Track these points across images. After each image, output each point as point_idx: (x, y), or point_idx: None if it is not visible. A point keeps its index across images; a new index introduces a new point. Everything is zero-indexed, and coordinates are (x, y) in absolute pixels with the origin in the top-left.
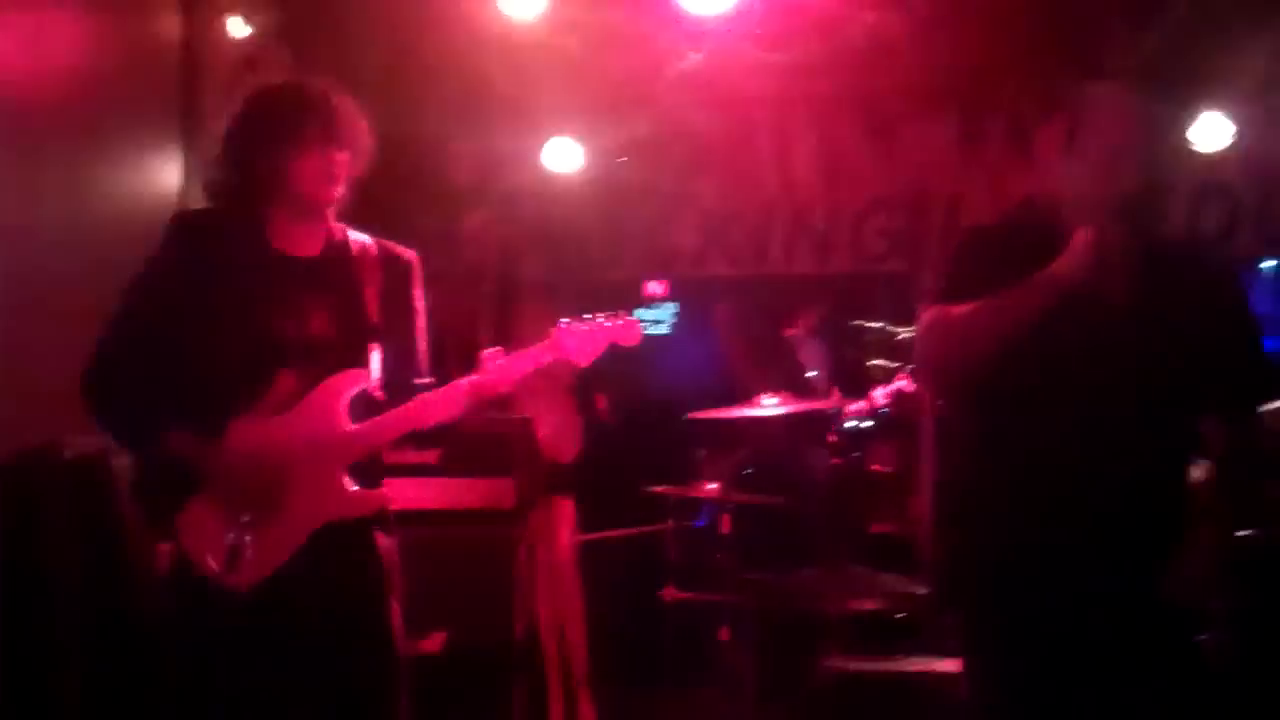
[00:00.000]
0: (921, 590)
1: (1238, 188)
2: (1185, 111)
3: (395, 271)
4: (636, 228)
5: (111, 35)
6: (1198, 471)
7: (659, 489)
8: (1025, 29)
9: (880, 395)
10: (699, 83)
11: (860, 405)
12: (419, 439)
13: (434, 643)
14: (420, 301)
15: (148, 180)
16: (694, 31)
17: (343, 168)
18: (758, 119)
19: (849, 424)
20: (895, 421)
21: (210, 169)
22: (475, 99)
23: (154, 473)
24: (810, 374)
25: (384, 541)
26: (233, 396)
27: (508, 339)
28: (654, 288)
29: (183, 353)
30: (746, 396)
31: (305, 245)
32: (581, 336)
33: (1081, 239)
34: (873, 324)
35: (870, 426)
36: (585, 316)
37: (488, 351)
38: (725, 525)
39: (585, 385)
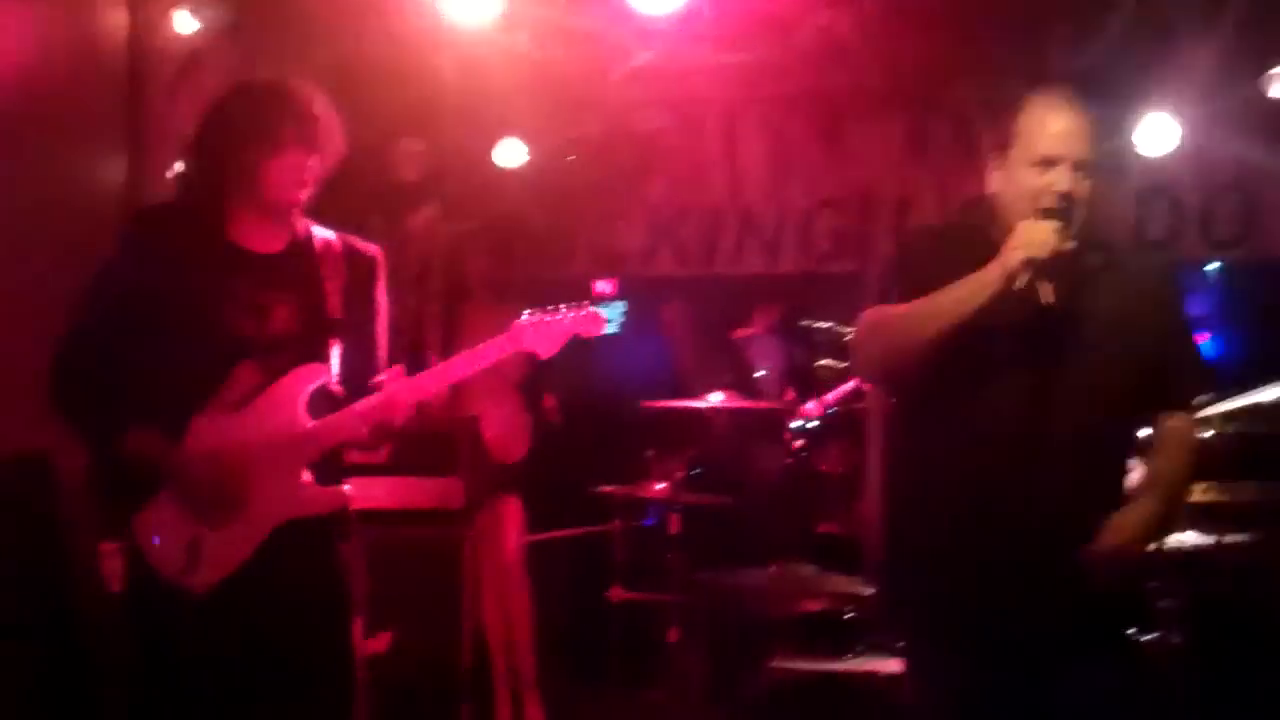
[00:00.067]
0: (868, 591)
1: (1183, 190)
2: (1129, 115)
3: (358, 267)
4: (585, 226)
5: (57, 30)
6: (1135, 474)
7: (607, 489)
8: (972, 32)
9: (831, 397)
10: (648, 82)
11: (811, 407)
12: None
13: (380, 642)
14: (383, 298)
15: (93, 176)
16: (644, 31)
17: (314, 172)
18: (707, 119)
19: (796, 424)
20: (844, 422)
21: (181, 160)
22: (423, 97)
23: (113, 471)
24: (759, 373)
25: (342, 539)
26: (192, 393)
27: (455, 337)
28: (602, 286)
29: (143, 349)
30: (694, 395)
31: (268, 242)
32: (543, 328)
33: (1015, 240)
34: (821, 324)
35: (819, 427)
36: (547, 307)
37: (391, 369)
38: (674, 525)
39: (533, 384)
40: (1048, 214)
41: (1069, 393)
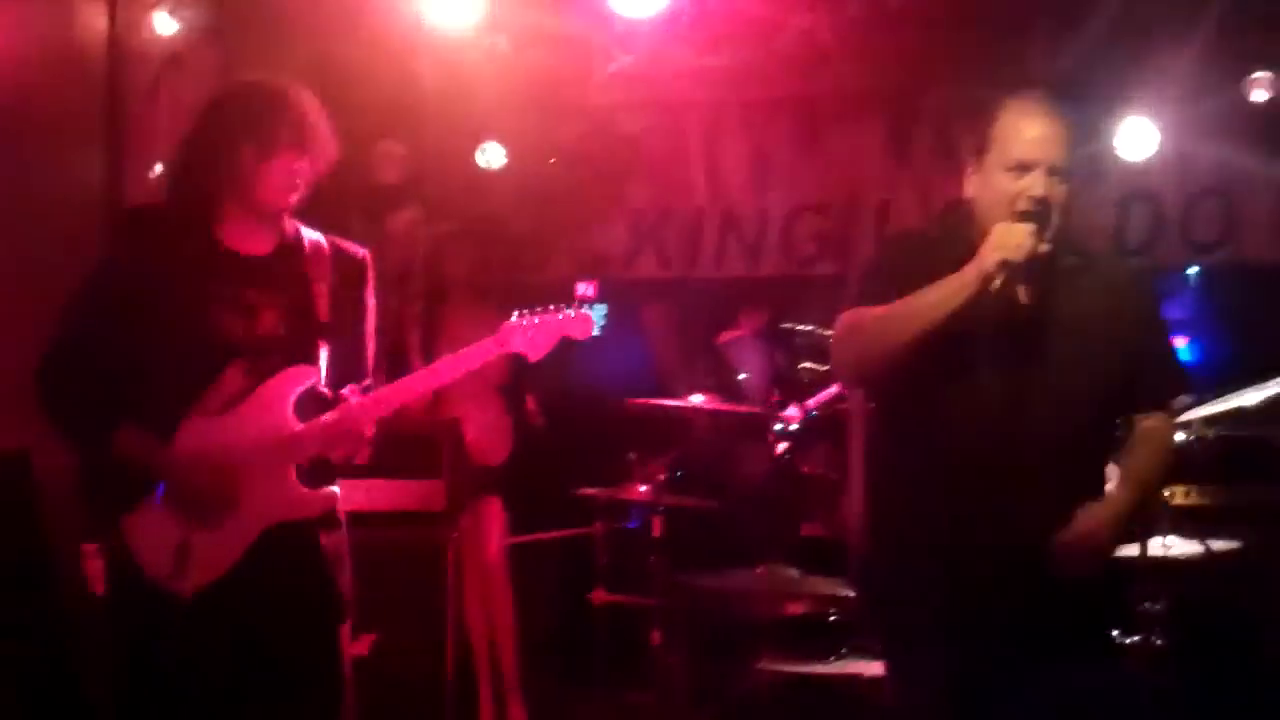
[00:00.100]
0: (852, 593)
1: (1163, 195)
2: (1108, 119)
3: (347, 270)
4: (566, 229)
5: (36, 31)
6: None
7: (589, 491)
8: (953, 36)
9: (813, 401)
10: (630, 85)
11: (793, 412)
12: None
13: (362, 645)
14: (372, 301)
15: (72, 177)
16: (625, 34)
17: (305, 175)
18: (688, 122)
19: (778, 427)
20: (827, 424)
21: (166, 159)
22: (404, 99)
23: (101, 473)
24: (741, 376)
25: (331, 541)
26: (180, 394)
27: (435, 339)
28: (583, 289)
29: (131, 350)
30: (675, 397)
31: (257, 244)
32: (532, 330)
33: (991, 242)
34: (803, 327)
35: (802, 429)
36: (537, 309)
37: (353, 386)
38: (656, 528)
39: (515, 386)
40: (1023, 217)
41: (1044, 392)
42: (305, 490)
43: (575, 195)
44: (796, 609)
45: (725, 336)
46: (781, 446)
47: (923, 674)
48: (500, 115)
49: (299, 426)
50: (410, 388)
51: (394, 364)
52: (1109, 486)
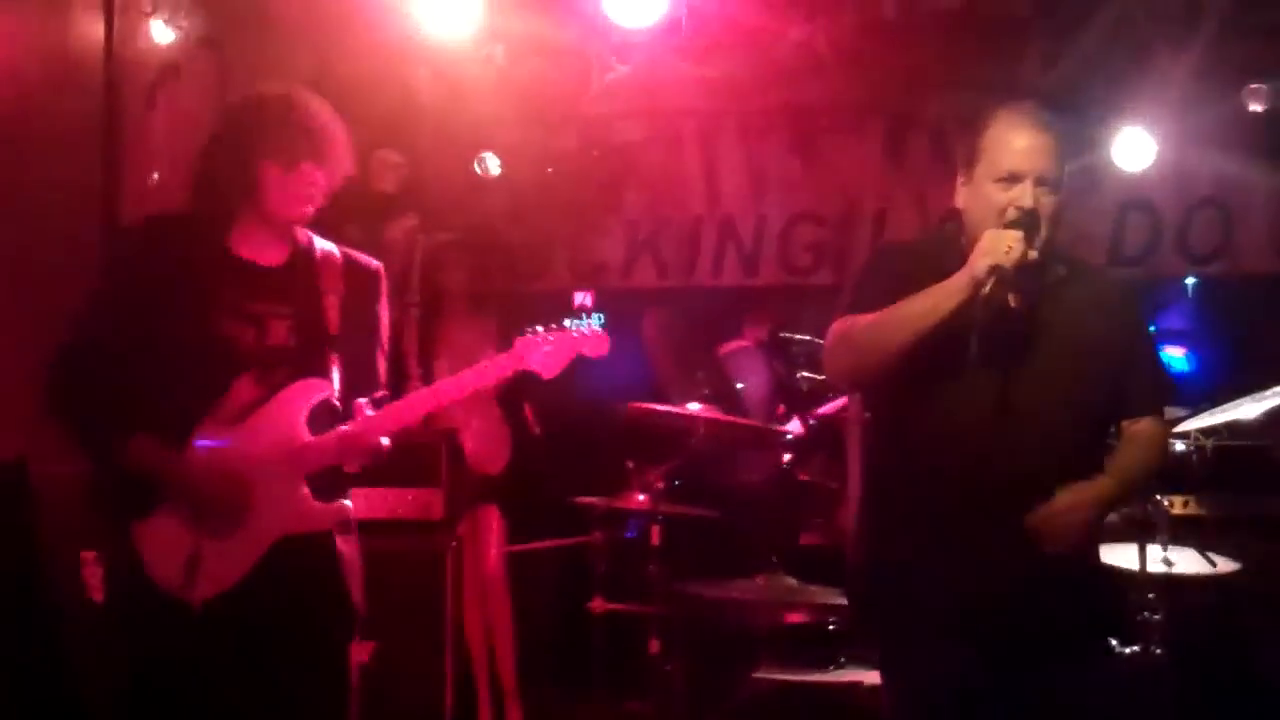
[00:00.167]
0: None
1: (1160, 205)
2: (1103, 129)
3: (359, 282)
4: (563, 238)
5: (32, 40)
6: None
7: (587, 500)
8: (949, 46)
9: (821, 411)
10: (626, 95)
11: (795, 425)
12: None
13: (363, 653)
14: (384, 313)
15: (69, 185)
16: (622, 44)
17: (321, 187)
18: (685, 131)
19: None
20: (827, 433)
21: (193, 166)
22: (402, 109)
23: (114, 482)
24: (739, 386)
25: (344, 555)
26: (192, 404)
27: (432, 348)
28: (581, 299)
29: (143, 359)
30: (673, 406)
31: (270, 254)
32: (548, 347)
33: (981, 248)
34: (800, 336)
35: (800, 438)
36: (552, 326)
37: (359, 401)
38: (655, 536)
39: (513, 395)
40: (1011, 227)
41: (1033, 399)
42: (317, 503)
43: (572, 205)
44: (795, 618)
45: (727, 348)
46: (784, 456)
47: (916, 681)
48: (497, 125)
49: (311, 438)
50: (426, 401)
51: (393, 373)
52: None
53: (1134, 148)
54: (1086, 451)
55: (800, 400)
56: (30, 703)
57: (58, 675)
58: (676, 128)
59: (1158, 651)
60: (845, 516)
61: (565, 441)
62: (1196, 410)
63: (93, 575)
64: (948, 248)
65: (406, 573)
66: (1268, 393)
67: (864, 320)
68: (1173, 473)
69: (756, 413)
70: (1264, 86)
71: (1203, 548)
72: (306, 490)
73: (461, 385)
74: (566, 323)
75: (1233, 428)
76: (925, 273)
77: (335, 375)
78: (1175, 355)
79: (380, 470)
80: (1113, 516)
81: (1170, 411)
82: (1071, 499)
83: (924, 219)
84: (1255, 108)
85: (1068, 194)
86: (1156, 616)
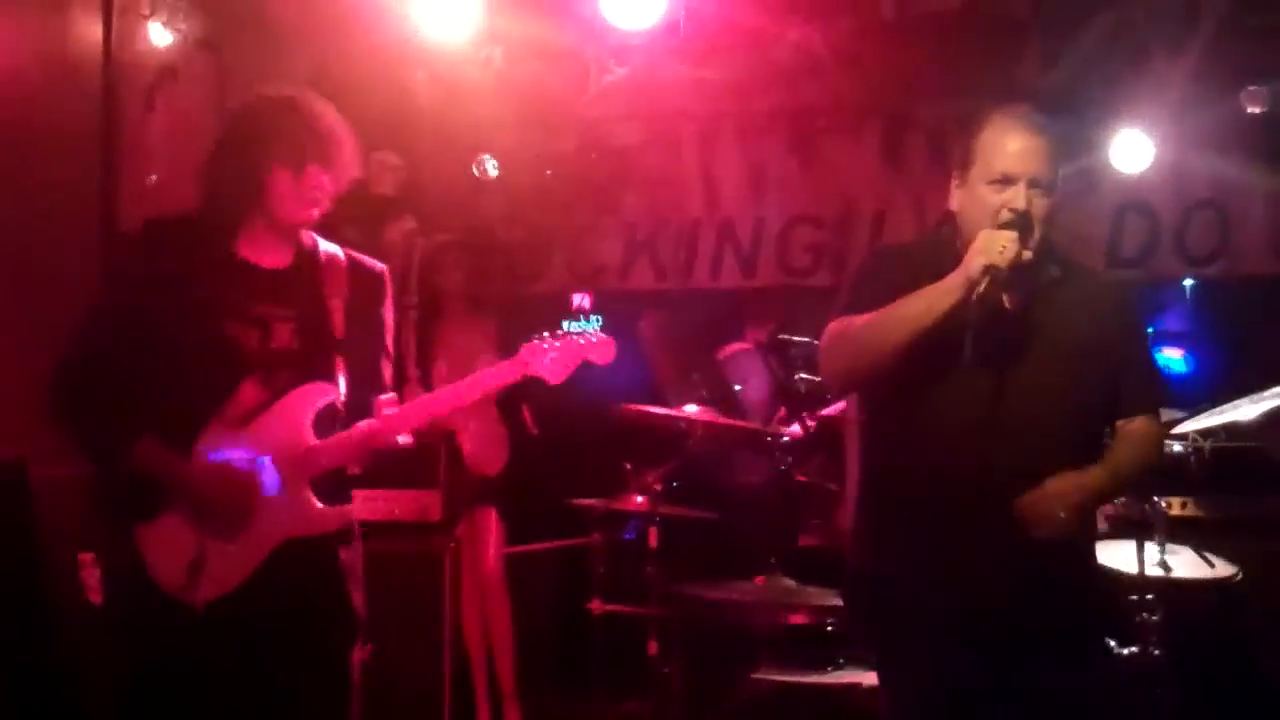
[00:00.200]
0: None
1: (1158, 207)
2: (1100, 131)
3: (364, 284)
4: (561, 240)
5: (30, 42)
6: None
7: (585, 501)
8: (946, 48)
9: (824, 413)
10: (624, 97)
11: (793, 427)
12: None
13: (362, 654)
14: (389, 316)
15: (67, 186)
16: (620, 46)
17: (328, 191)
18: (683, 133)
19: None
20: (824, 435)
21: (200, 169)
22: (400, 111)
23: (118, 485)
24: (737, 388)
25: (346, 559)
26: (196, 407)
27: (431, 350)
28: (579, 300)
29: (148, 362)
30: (671, 408)
31: (274, 257)
32: (554, 353)
33: (976, 248)
34: (799, 338)
35: (799, 440)
36: (559, 332)
37: (384, 398)
38: (653, 538)
39: (510, 397)
40: (1005, 227)
41: (1027, 399)
42: (321, 506)
43: (570, 207)
44: (793, 619)
45: (726, 351)
46: (782, 458)
47: (913, 683)
48: (495, 127)
49: (316, 441)
50: (442, 402)
51: (392, 375)
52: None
53: (1132, 150)
54: (1081, 451)
55: (799, 402)
56: (29, 704)
57: (56, 676)
58: (675, 130)
59: (1156, 652)
60: (844, 518)
61: (563, 443)
62: (1194, 412)
63: (91, 577)
64: (943, 250)
65: (405, 574)
66: (1266, 394)
67: (859, 321)
68: (1171, 474)
69: (756, 415)
70: (1262, 88)
71: (1201, 549)
72: (310, 494)
73: (474, 388)
74: (570, 327)
75: (1231, 429)
76: (920, 275)
77: (340, 378)
78: (1173, 357)
79: (378, 472)
80: (1110, 510)
81: (1168, 413)
82: (1060, 484)
83: (922, 220)
84: (1253, 110)
85: (1062, 196)
86: (1154, 618)
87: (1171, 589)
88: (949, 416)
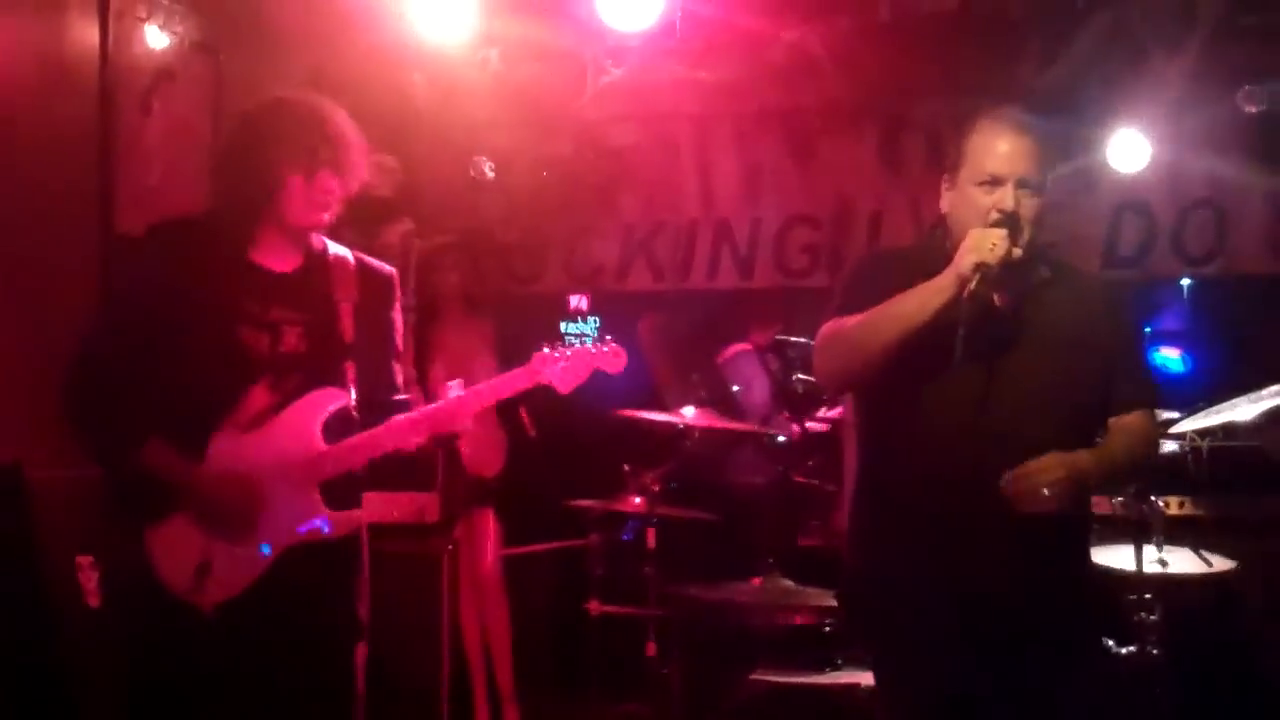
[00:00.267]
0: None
1: (1155, 207)
2: (1097, 131)
3: (373, 288)
4: (558, 241)
5: (27, 45)
6: None
7: (583, 503)
8: (943, 48)
9: (824, 414)
10: (621, 98)
11: (790, 428)
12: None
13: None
14: (399, 319)
15: (64, 189)
16: (617, 47)
17: (337, 197)
18: (680, 134)
19: (780, 439)
20: (822, 436)
21: (213, 173)
22: (397, 112)
23: (127, 488)
24: (735, 389)
25: (351, 563)
26: (205, 410)
27: (428, 352)
28: (576, 302)
29: (158, 364)
30: (670, 409)
31: (284, 260)
32: (564, 362)
33: (966, 245)
34: (798, 339)
35: (797, 441)
36: (569, 341)
37: (451, 384)
38: (651, 539)
39: (508, 399)
40: (995, 227)
41: (1018, 398)
42: (329, 511)
43: (567, 208)
44: (792, 620)
45: (726, 354)
46: (780, 459)
47: (910, 683)
48: (492, 129)
49: (324, 447)
50: (448, 411)
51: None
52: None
53: (1129, 149)
54: (1072, 450)
55: (797, 403)
56: (28, 706)
57: (54, 679)
58: (671, 131)
59: (1154, 652)
60: (842, 518)
61: (561, 444)
62: (1192, 411)
63: (89, 579)
64: (934, 252)
65: (403, 575)
66: (1263, 393)
67: (852, 321)
68: (1169, 473)
69: (755, 416)
70: (1259, 88)
71: (1199, 548)
72: (319, 498)
73: (487, 395)
74: (569, 329)
75: (1228, 428)
76: (913, 277)
77: (350, 382)
78: (1171, 356)
79: (376, 473)
80: (1109, 510)
81: (1166, 414)
82: (1045, 460)
83: (919, 221)
84: (1250, 109)
85: (1052, 196)
86: (1153, 617)
87: (1170, 588)
88: (941, 416)
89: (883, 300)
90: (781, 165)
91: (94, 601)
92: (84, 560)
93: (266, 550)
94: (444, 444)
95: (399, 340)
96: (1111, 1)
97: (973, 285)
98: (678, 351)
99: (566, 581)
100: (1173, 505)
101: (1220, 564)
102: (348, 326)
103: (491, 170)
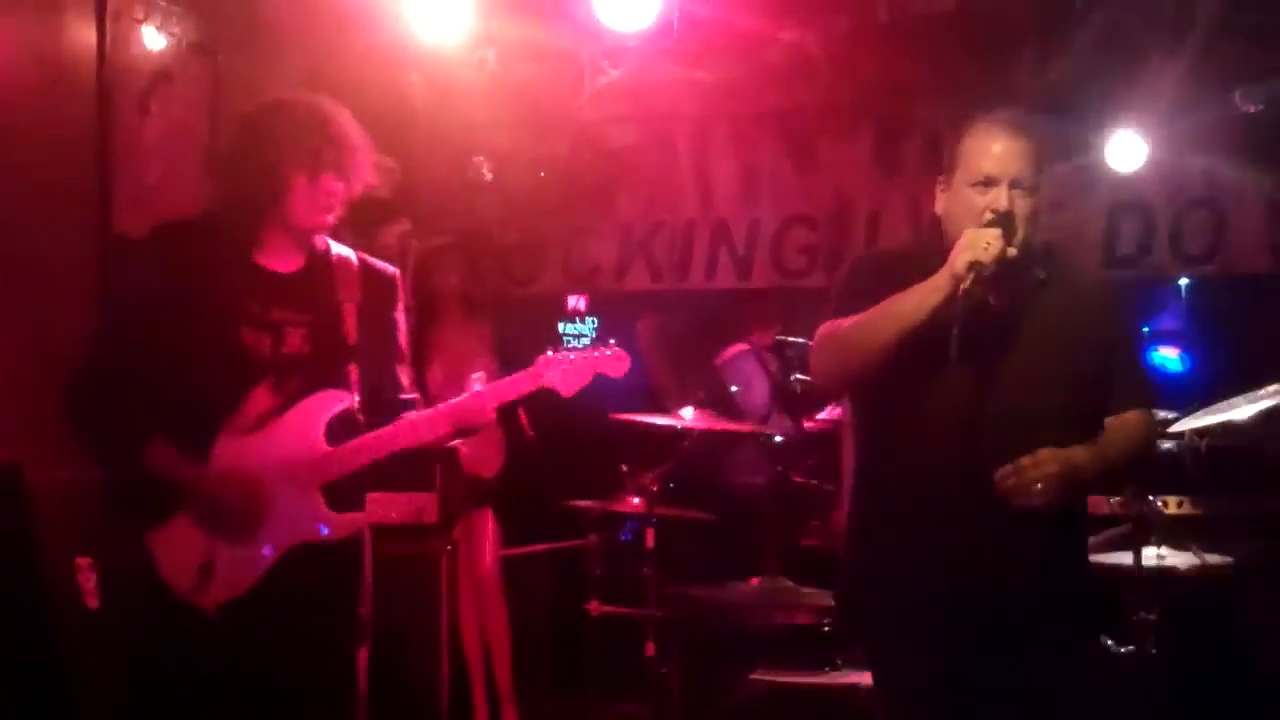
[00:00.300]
0: None
1: (1153, 206)
2: (1095, 131)
3: (376, 288)
4: (556, 242)
5: (24, 46)
6: None
7: (581, 503)
8: (941, 49)
9: (822, 416)
10: (618, 99)
11: (788, 428)
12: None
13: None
14: (402, 319)
15: (61, 191)
16: (614, 48)
17: (341, 199)
18: (678, 135)
19: (777, 438)
20: (820, 436)
21: (219, 174)
22: (394, 113)
23: (129, 489)
24: (733, 389)
25: (354, 564)
26: (208, 411)
27: (426, 352)
28: (575, 302)
29: (162, 365)
30: (669, 409)
31: (288, 261)
32: (566, 366)
33: (961, 245)
34: (796, 339)
35: (796, 441)
36: (571, 345)
37: (474, 375)
38: (649, 539)
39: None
40: (989, 225)
41: (1010, 396)
42: (331, 513)
43: (565, 209)
44: (791, 620)
45: (724, 356)
46: (779, 459)
47: (907, 682)
48: (490, 129)
49: (327, 448)
50: (454, 414)
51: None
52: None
53: (1127, 149)
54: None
55: (796, 403)
56: (26, 708)
57: (54, 681)
58: (669, 131)
59: (1153, 651)
60: (841, 518)
61: (559, 445)
62: (1190, 411)
63: (88, 580)
64: (930, 253)
65: (402, 576)
66: (1261, 393)
67: (848, 321)
68: (1167, 473)
69: (754, 416)
70: (1256, 87)
71: (1197, 548)
72: (321, 500)
73: (492, 398)
74: (566, 330)
75: (1227, 428)
76: (908, 278)
77: (353, 383)
78: (1169, 356)
79: (375, 474)
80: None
81: (1164, 414)
82: (1039, 455)
83: (917, 221)
84: (1247, 109)
85: (1046, 196)
86: (1151, 616)
87: (1168, 587)
88: (936, 415)
89: (879, 301)
90: (779, 166)
91: (93, 602)
92: (83, 561)
93: (268, 551)
94: (467, 437)
95: (403, 341)
96: (1108, 2)
97: (967, 284)
98: (676, 352)
99: (565, 582)
100: (1171, 505)
101: (1218, 563)
102: (351, 327)
103: (489, 171)
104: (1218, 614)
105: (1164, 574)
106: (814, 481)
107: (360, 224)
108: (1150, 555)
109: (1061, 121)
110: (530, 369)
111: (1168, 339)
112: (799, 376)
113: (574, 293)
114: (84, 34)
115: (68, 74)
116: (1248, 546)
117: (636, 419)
